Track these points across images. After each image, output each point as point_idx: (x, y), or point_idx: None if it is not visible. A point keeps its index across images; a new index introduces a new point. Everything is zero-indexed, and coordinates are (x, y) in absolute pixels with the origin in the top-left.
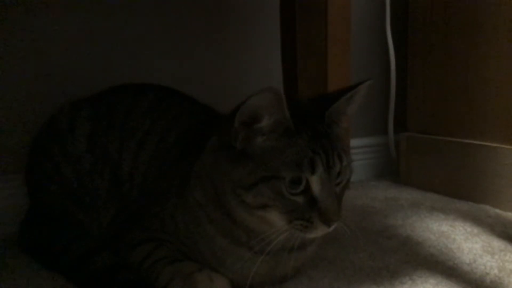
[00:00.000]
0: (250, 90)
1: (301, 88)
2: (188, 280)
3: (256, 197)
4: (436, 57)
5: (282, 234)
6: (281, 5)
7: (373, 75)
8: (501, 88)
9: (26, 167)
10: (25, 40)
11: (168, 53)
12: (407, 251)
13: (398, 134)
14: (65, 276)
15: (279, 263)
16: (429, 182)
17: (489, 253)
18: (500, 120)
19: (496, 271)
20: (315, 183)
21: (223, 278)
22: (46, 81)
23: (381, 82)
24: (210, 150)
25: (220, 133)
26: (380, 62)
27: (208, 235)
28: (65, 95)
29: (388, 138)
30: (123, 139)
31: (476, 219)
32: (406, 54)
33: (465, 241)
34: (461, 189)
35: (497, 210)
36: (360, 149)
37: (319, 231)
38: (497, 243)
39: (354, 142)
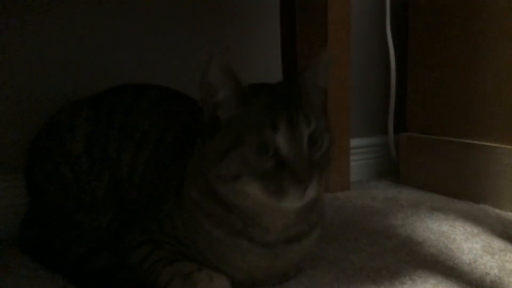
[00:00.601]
0: None
1: None
2: (187, 280)
3: (228, 167)
4: (436, 57)
5: (267, 211)
6: (281, 5)
7: (373, 75)
8: (501, 88)
9: (26, 167)
10: (25, 40)
11: (168, 53)
12: (407, 251)
13: (398, 134)
14: (65, 276)
15: (278, 255)
16: (429, 182)
17: (489, 253)
18: (500, 120)
19: (496, 271)
20: (281, 142)
21: (223, 277)
22: (46, 81)
23: (381, 82)
24: (198, 145)
25: (198, 122)
26: (380, 62)
27: (205, 230)
28: (64, 95)
29: (388, 138)
30: (122, 139)
31: (476, 219)
32: (406, 54)
33: (465, 241)
34: (461, 189)
35: (497, 210)
36: (360, 149)
37: (293, 195)
38: (497, 243)
39: (354, 142)
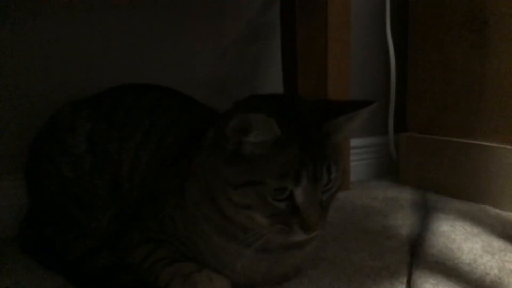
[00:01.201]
0: (251, 90)
1: (301, 87)
2: (187, 281)
3: (241, 197)
4: (436, 57)
5: (271, 232)
6: (281, 5)
7: (373, 75)
8: (501, 88)
9: (26, 166)
10: (25, 40)
11: (168, 53)
12: (407, 251)
13: (398, 134)
14: (64, 276)
15: (278, 261)
16: (429, 182)
17: (489, 253)
18: (500, 120)
19: (496, 271)
20: (299, 194)
21: (223, 278)
22: (46, 81)
23: (381, 82)
24: (205, 149)
25: (215, 132)
26: (380, 62)
27: (206, 234)
28: (64, 96)
29: (388, 138)
30: (123, 139)
31: (476, 219)
32: (406, 54)
33: (465, 241)
34: (461, 189)
35: (497, 210)
36: (360, 149)
37: (298, 236)
38: (497, 243)
39: (354, 142)
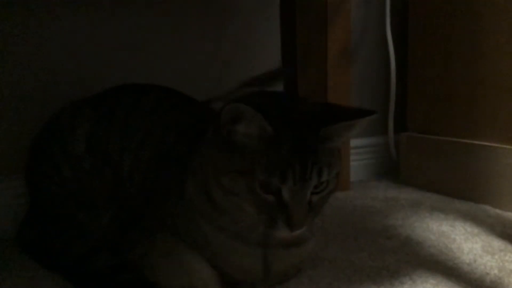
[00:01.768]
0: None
1: (300, 87)
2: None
3: (230, 182)
4: (436, 57)
5: (259, 223)
6: (281, 5)
7: (373, 75)
8: (501, 88)
9: (26, 166)
10: (25, 40)
11: (168, 53)
12: (407, 251)
13: (398, 134)
14: (64, 277)
15: (276, 259)
16: (429, 182)
17: (489, 253)
18: (500, 120)
19: (496, 271)
20: (285, 192)
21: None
22: (46, 81)
23: (381, 82)
24: (205, 143)
25: (214, 122)
26: (380, 62)
27: (202, 230)
28: (64, 96)
29: (388, 138)
30: (123, 139)
31: (476, 219)
32: (406, 54)
33: (465, 241)
34: (461, 189)
35: (497, 210)
36: (360, 149)
37: (282, 232)
38: (497, 243)
39: (354, 142)
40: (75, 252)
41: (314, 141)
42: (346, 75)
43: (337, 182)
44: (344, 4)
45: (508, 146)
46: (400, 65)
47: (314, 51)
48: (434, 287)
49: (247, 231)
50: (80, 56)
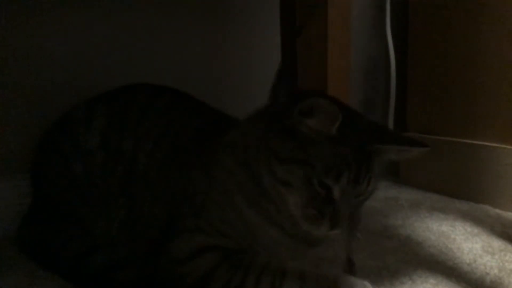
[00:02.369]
0: (251, 90)
1: (301, 87)
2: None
3: (285, 173)
4: (436, 57)
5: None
6: (281, 5)
7: (373, 75)
8: (501, 88)
9: (34, 162)
10: (28, 41)
11: (168, 53)
12: (407, 251)
13: None
14: (62, 276)
15: (297, 253)
16: (429, 182)
17: (489, 253)
18: (500, 120)
19: (496, 271)
20: (336, 190)
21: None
22: (48, 82)
23: (381, 82)
24: (250, 119)
25: (274, 107)
26: (380, 62)
27: (237, 207)
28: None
29: None
30: (138, 138)
31: (476, 219)
32: (406, 54)
33: (465, 241)
34: (461, 189)
35: (497, 210)
36: None
37: (323, 228)
38: (497, 243)
39: None
40: (73, 250)
41: (370, 151)
42: (346, 75)
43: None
44: (344, 4)
45: (508, 146)
46: (400, 65)
47: (314, 51)
48: (434, 287)
49: (283, 220)
50: (82, 57)
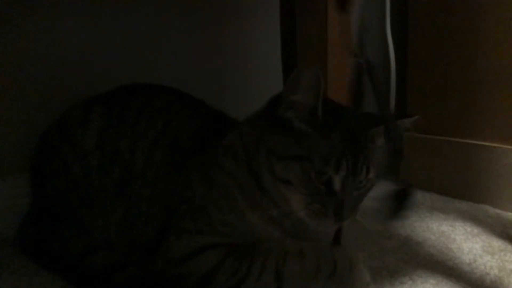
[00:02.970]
0: (251, 90)
1: None
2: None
3: (284, 170)
4: (436, 57)
5: (303, 211)
6: (281, 5)
7: (373, 75)
8: (501, 88)
9: (33, 162)
10: (28, 41)
11: (168, 53)
12: (407, 251)
13: None
14: (62, 276)
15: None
16: (429, 182)
17: (489, 253)
18: (500, 120)
19: (496, 271)
20: (336, 182)
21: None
22: (48, 82)
23: (381, 82)
24: (248, 121)
25: (268, 103)
26: (380, 62)
27: (239, 210)
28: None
29: None
30: (136, 138)
31: (476, 219)
32: (406, 54)
33: (465, 241)
34: (461, 189)
35: (497, 210)
36: None
37: (328, 221)
38: (497, 243)
39: None
40: (72, 250)
41: (365, 139)
42: (346, 75)
43: (374, 185)
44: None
45: (508, 146)
46: (400, 65)
47: (314, 51)
48: (434, 287)
49: (284, 220)
50: (82, 57)
